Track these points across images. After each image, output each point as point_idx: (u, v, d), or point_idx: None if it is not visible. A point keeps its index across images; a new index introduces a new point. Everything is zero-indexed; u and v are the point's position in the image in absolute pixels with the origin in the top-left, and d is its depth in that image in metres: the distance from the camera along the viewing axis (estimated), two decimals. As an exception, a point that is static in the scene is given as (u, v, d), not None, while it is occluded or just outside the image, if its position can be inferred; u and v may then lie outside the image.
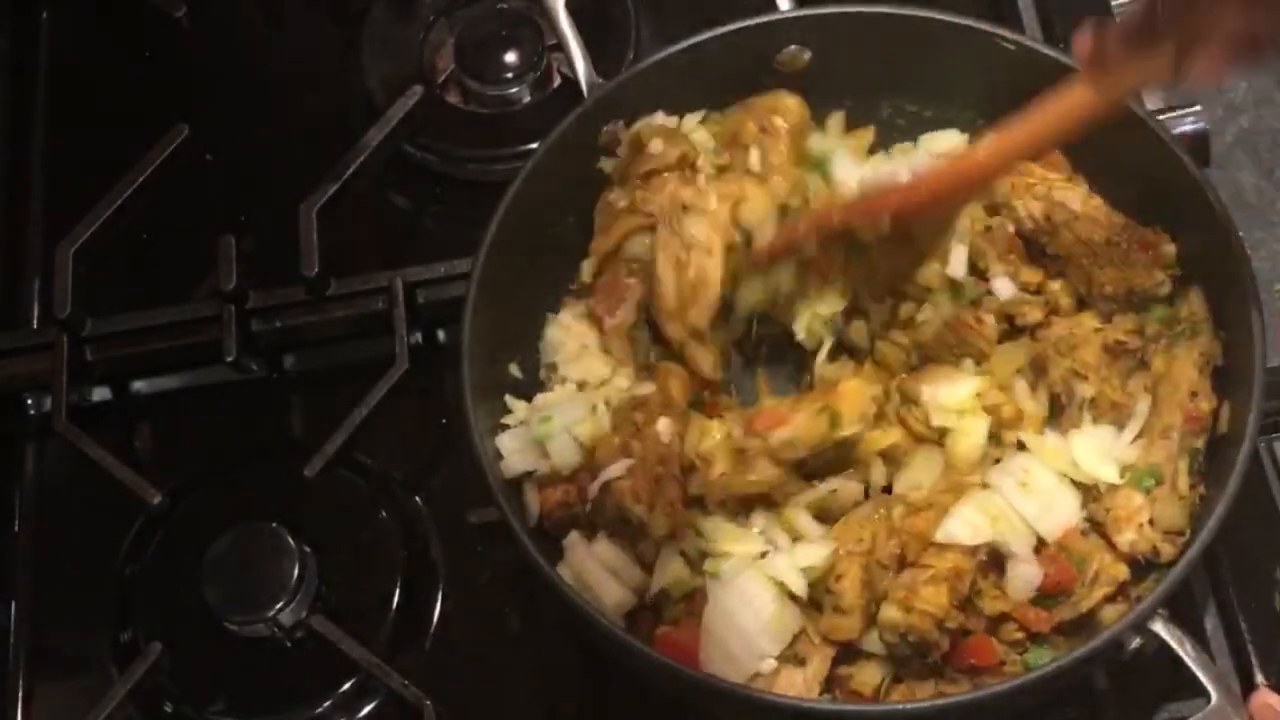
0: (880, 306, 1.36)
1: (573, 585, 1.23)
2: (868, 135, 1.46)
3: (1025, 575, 1.23)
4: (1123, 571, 1.23)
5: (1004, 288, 1.35)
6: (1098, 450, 1.27)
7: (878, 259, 1.27)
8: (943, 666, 1.23)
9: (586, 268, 1.41)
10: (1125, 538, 1.23)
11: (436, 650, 1.39)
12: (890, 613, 1.20)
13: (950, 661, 1.23)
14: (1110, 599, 1.23)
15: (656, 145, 1.39)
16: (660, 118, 1.42)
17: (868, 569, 1.23)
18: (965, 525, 1.22)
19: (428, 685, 1.32)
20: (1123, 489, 1.25)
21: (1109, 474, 1.26)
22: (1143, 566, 1.24)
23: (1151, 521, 1.24)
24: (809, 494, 1.28)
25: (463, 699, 1.35)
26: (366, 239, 1.58)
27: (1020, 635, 1.24)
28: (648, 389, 1.33)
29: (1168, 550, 1.23)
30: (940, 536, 1.22)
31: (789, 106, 1.40)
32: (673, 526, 1.25)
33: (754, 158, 1.38)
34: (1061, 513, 1.25)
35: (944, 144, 1.43)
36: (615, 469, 1.26)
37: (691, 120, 1.43)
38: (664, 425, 1.29)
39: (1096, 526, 1.26)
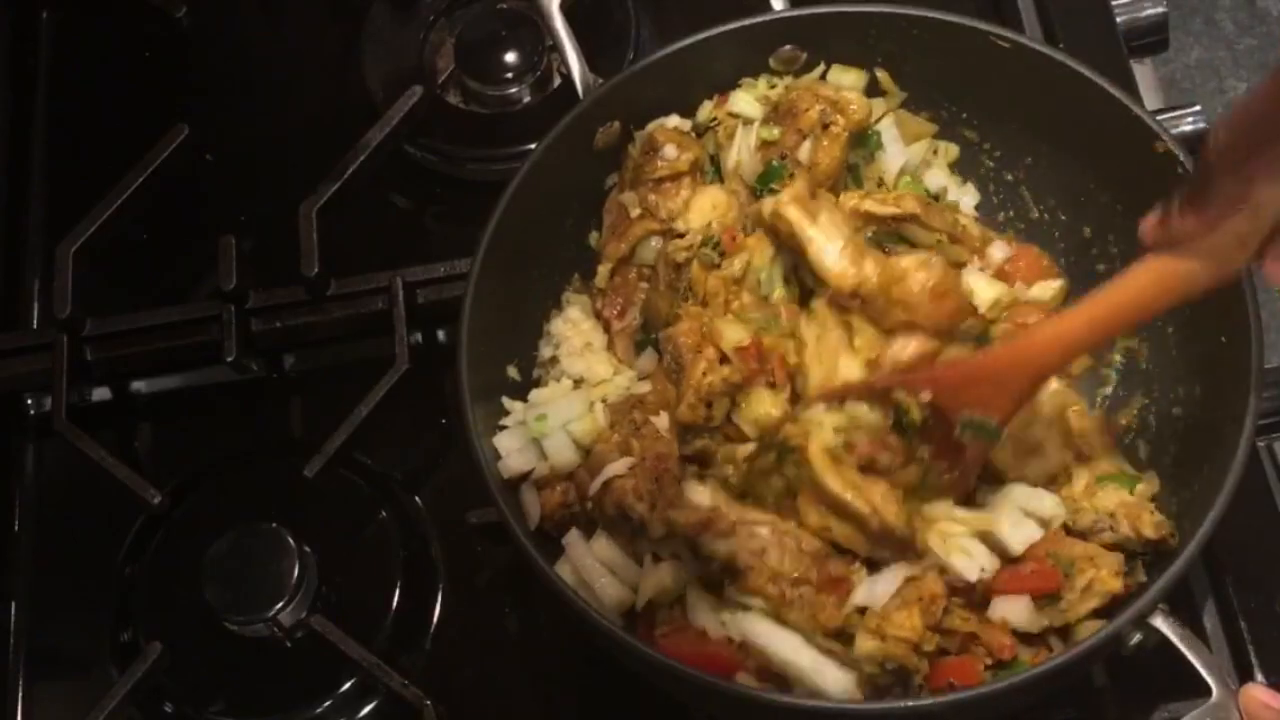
0: None
1: (572, 583, 1.23)
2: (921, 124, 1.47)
3: (1012, 608, 1.22)
4: (1116, 585, 1.21)
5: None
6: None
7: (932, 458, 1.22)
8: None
9: (602, 272, 1.41)
10: (1142, 523, 1.23)
11: (436, 650, 1.39)
12: (865, 644, 1.18)
13: (929, 683, 1.21)
14: (1098, 612, 1.21)
15: (670, 151, 1.39)
16: (674, 120, 1.42)
17: None
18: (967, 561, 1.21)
19: (428, 685, 1.33)
20: (1109, 492, 1.26)
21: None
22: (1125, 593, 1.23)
23: (1153, 509, 1.24)
24: None
25: (463, 699, 1.35)
26: (366, 239, 1.58)
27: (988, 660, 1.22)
28: (645, 387, 1.33)
29: (1175, 539, 1.22)
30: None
31: (854, 105, 1.38)
32: (670, 528, 1.25)
33: (804, 150, 1.38)
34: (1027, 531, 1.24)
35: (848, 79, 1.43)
36: (617, 467, 1.26)
37: (739, 94, 1.43)
38: (663, 423, 1.29)
39: (1098, 535, 1.25)
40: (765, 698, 1.17)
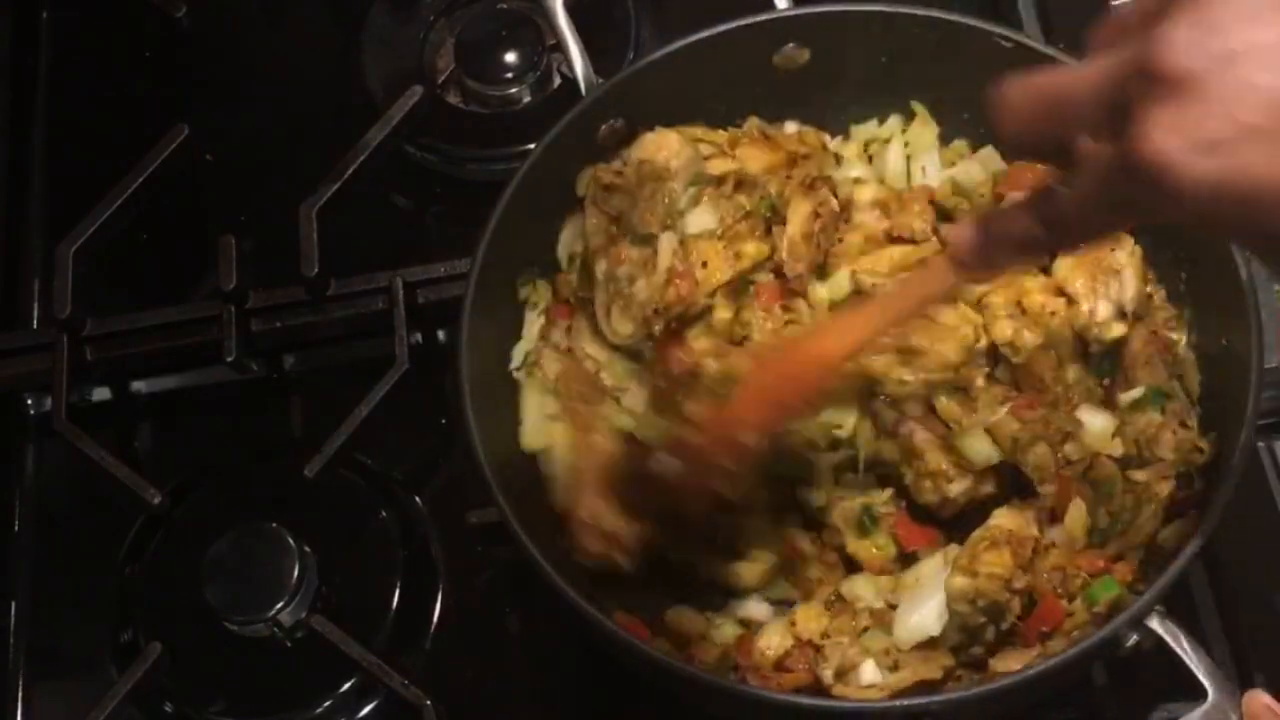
0: None
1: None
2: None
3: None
4: (1168, 486, 1.23)
5: None
6: None
7: None
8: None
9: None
10: (1165, 447, 1.25)
11: (436, 650, 1.39)
12: (957, 580, 1.19)
13: (1022, 631, 1.22)
14: (1168, 518, 1.23)
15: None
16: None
17: None
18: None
19: (428, 685, 1.32)
20: (1139, 415, 1.27)
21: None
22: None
23: (1183, 424, 1.26)
24: None
25: (463, 699, 1.35)
26: (366, 239, 1.57)
27: (1080, 579, 1.23)
28: None
29: (1208, 448, 1.23)
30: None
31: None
32: None
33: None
34: None
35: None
36: None
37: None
38: None
39: (1129, 461, 1.27)
40: (768, 697, 1.17)
